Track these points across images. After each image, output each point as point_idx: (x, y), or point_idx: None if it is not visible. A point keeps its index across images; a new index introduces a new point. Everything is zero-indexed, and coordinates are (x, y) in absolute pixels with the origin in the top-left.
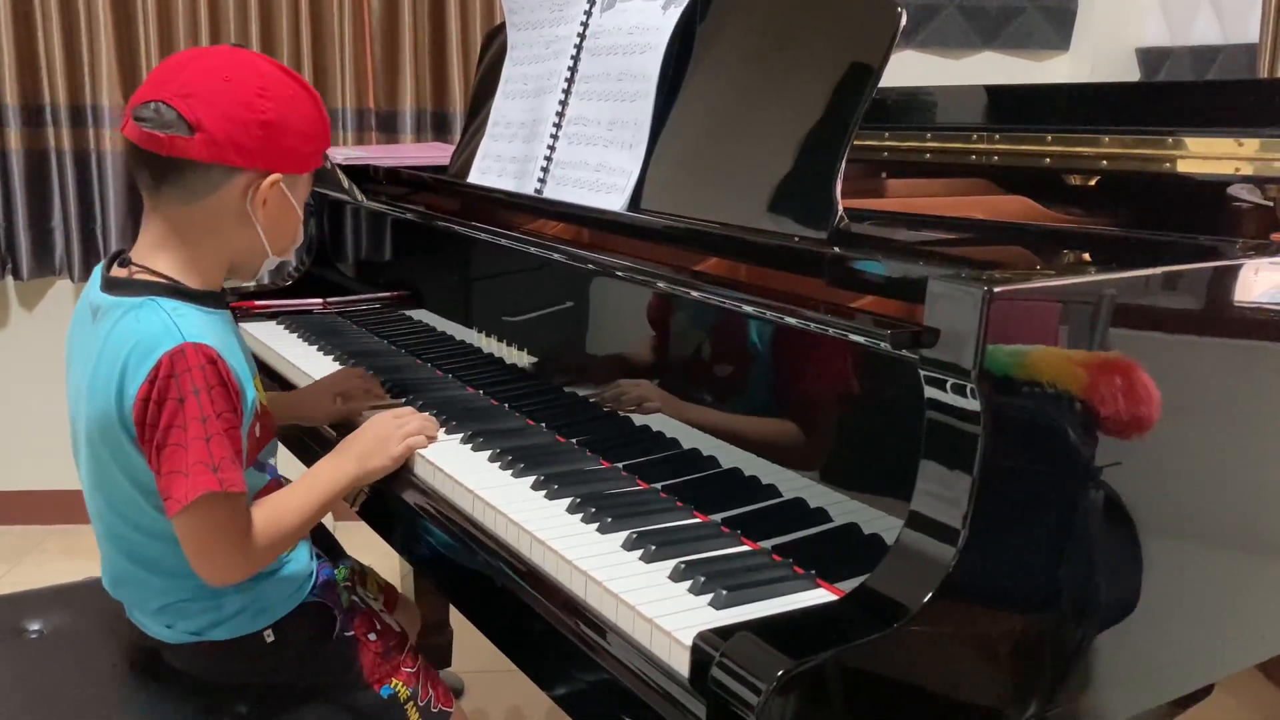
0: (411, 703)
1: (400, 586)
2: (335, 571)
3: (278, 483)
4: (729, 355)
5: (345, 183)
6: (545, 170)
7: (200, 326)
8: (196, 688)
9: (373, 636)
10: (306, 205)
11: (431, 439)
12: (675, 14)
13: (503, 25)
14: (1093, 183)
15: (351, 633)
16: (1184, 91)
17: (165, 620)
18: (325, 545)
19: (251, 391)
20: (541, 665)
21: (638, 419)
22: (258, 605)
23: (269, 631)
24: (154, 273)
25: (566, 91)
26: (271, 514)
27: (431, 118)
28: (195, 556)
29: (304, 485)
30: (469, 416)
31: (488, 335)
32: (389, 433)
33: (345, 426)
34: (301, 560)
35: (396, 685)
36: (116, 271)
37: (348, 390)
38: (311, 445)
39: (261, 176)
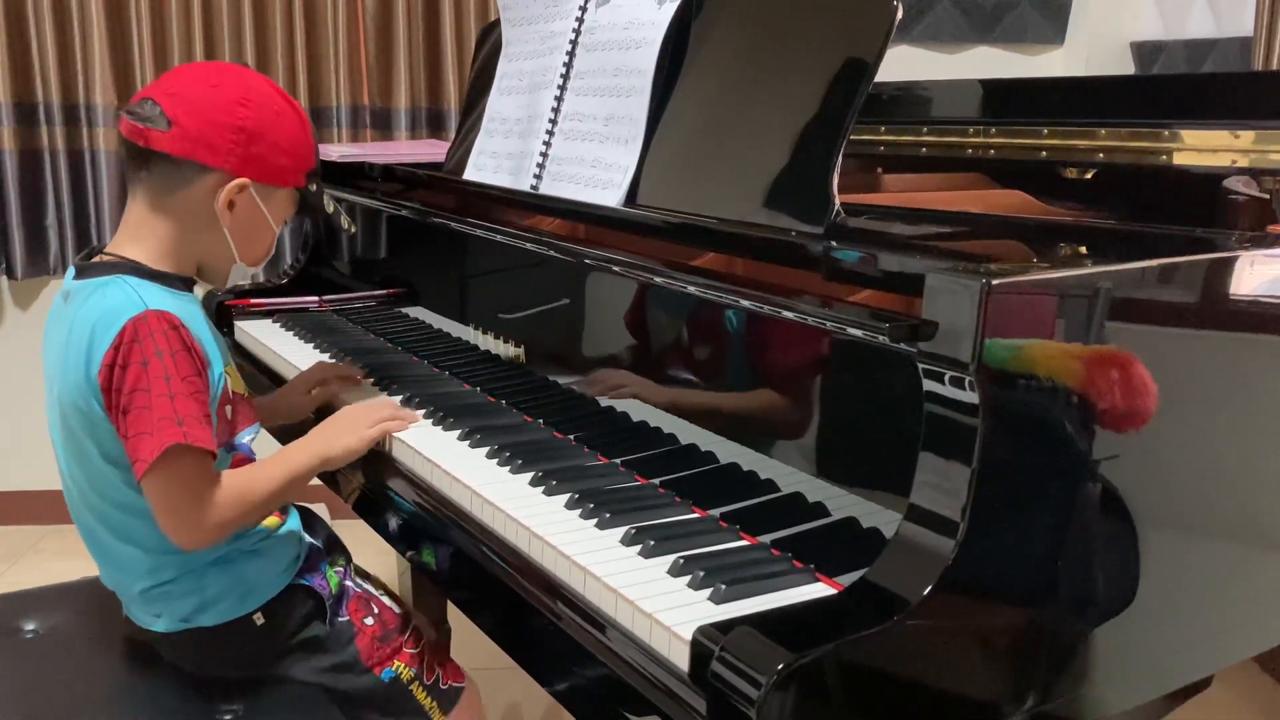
0: (416, 683)
1: (398, 584)
2: (326, 561)
3: (246, 459)
4: (725, 350)
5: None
6: (541, 166)
7: (163, 298)
8: (192, 681)
9: (369, 620)
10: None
11: (412, 420)
12: (671, 9)
13: (497, 21)
14: (1089, 175)
15: (346, 617)
16: (1180, 84)
17: (153, 609)
18: (327, 542)
19: (219, 366)
20: (541, 661)
21: (635, 414)
22: (243, 587)
23: (258, 615)
24: (121, 257)
25: (562, 87)
26: (240, 482)
27: (426, 115)
28: (163, 515)
29: (274, 461)
30: (466, 413)
31: (484, 332)
32: (360, 416)
33: (327, 414)
34: (287, 541)
35: (399, 668)
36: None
37: (324, 380)
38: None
39: (230, 178)
